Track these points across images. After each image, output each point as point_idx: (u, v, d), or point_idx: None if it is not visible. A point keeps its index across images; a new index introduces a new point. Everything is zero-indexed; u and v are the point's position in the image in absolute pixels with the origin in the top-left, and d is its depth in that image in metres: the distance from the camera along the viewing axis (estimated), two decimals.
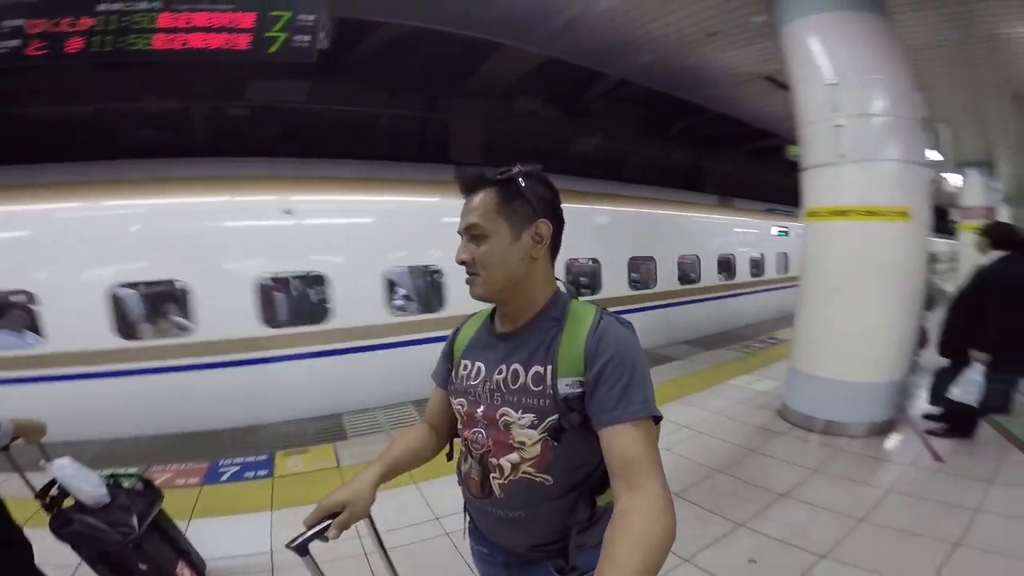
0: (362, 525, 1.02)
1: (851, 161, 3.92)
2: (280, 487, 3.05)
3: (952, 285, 9.63)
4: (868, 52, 3.98)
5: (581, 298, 1.03)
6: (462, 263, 0.96)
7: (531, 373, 0.93)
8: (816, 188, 4.19)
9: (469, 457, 1.04)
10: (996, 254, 3.65)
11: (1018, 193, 13.61)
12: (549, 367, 0.92)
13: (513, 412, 0.95)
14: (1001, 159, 10.66)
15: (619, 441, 0.84)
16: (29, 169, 4.67)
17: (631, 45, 5.53)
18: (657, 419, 0.88)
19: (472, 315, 1.14)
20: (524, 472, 0.95)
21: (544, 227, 0.95)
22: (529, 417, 0.93)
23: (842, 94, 3.94)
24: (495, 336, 1.03)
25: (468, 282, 0.97)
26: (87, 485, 1.70)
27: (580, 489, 0.95)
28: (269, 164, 8.54)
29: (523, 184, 0.95)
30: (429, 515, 2.75)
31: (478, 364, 1.02)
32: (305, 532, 0.94)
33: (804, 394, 4.13)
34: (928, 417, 4.07)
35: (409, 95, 9.44)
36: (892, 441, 3.82)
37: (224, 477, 3.16)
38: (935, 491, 3.01)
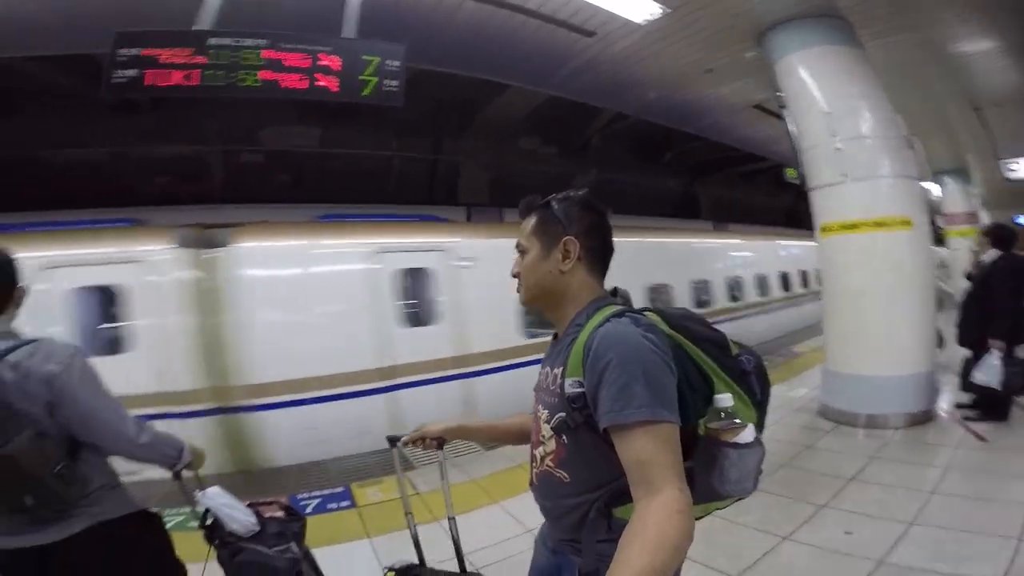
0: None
1: (854, 179, 4.32)
2: (368, 516, 3.16)
3: (952, 288, 9.97)
4: (851, 81, 4.44)
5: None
6: (515, 276, 1.14)
7: (554, 374, 1.04)
8: (826, 206, 4.55)
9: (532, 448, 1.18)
10: (994, 252, 4.03)
11: (993, 197, 14.14)
12: (561, 368, 1.01)
13: (541, 408, 1.08)
14: (972, 166, 11.25)
15: (630, 446, 0.85)
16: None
17: (640, 83, 5.97)
18: (673, 422, 0.87)
19: None
20: (547, 465, 1.05)
21: (571, 244, 1.06)
22: (546, 413, 1.05)
23: (836, 120, 4.36)
24: (553, 345, 1.16)
25: (517, 290, 1.14)
26: (240, 514, 1.67)
27: (595, 495, 0.98)
28: (282, 210, 8.62)
29: (556, 207, 1.09)
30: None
31: (544, 370, 1.15)
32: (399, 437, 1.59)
33: (842, 392, 4.39)
34: (960, 405, 4.32)
35: (416, 138, 9.67)
36: (934, 428, 4.06)
37: (308, 509, 3.26)
38: (991, 465, 3.26)
